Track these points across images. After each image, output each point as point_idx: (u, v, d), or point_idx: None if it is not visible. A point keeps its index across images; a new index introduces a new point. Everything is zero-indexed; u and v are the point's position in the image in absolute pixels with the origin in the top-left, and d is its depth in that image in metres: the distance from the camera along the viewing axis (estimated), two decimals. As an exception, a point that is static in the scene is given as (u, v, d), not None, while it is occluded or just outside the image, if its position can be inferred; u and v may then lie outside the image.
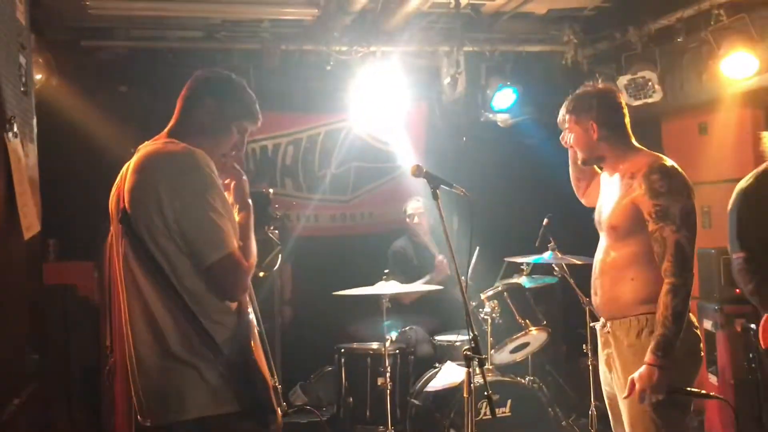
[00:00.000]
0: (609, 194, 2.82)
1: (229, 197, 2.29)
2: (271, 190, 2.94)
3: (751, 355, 4.15)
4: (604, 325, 2.82)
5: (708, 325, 4.47)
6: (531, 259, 4.52)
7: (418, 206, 5.22)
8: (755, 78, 4.35)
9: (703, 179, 5.06)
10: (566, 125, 2.94)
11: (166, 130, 2.29)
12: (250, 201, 2.35)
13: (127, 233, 2.13)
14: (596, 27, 5.29)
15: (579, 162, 3.01)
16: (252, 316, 2.28)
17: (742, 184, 3.31)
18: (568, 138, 2.96)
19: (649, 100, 4.98)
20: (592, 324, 3.13)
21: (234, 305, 2.18)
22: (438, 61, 5.36)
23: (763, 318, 3.21)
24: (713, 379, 4.40)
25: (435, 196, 3.02)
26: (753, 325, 4.15)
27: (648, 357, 2.52)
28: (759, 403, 4.04)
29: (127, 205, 2.12)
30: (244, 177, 2.40)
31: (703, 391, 2.76)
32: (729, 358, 4.31)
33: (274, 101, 5.13)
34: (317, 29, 4.95)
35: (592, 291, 2.87)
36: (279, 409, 2.20)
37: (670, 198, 2.61)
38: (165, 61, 5.07)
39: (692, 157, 5.15)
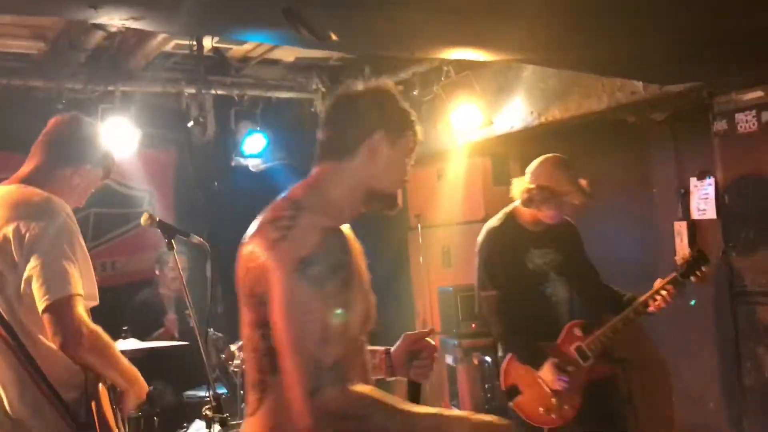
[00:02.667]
0: None
1: None
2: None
3: (486, 386, 4.46)
4: None
5: (449, 359, 4.73)
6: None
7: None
8: (481, 130, 4.76)
9: (442, 222, 5.43)
10: None
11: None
12: None
13: None
14: (342, 76, 5.48)
15: None
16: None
17: (491, 223, 3.46)
18: None
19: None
20: None
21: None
22: (185, 104, 5.19)
23: (506, 359, 3.38)
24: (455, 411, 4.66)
25: (170, 247, 2.87)
26: (488, 358, 4.48)
27: None
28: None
29: None
30: None
31: None
32: (468, 390, 4.60)
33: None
34: (47, 65, 4.54)
35: None
36: None
37: None
38: None
39: (433, 202, 5.50)
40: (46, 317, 1.99)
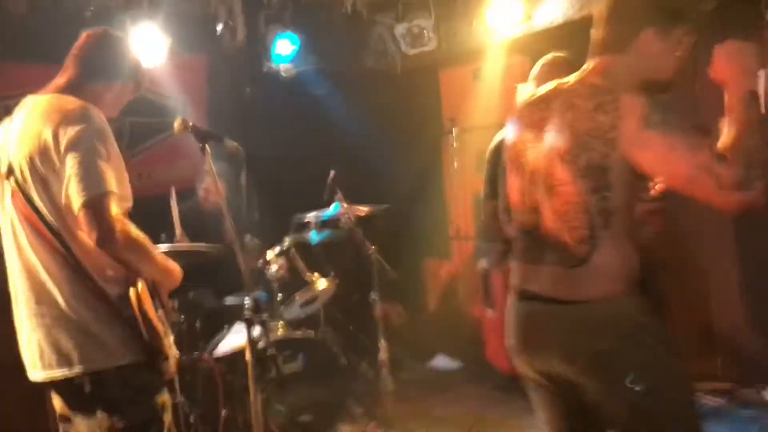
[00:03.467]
0: None
1: None
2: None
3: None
4: None
5: (484, 263, 4.74)
6: (319, 213, 4.49)
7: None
8: (521, 26, 4.57)
9: (478, 125, 5.32)
10: None
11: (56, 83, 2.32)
12: None
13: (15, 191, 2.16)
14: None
15: None
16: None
17: (503, 131, 3.39)
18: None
19: (425, 49, 5.08)
20: None
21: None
22: (213, 9, 5.06)
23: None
24: (490, 313, 4.70)
25: (203, 151, 2.85)
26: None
27: None
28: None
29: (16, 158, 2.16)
30: None
31: None
32: (502, 293, 4.62)
33: (24, 52, 4.56)
34: (72, -30, 4.44)
35: None
36: (170, 356, 2.26)
37: None
38: None
39: (468, 104, 5.37)
40: (81, 213, 2.06)
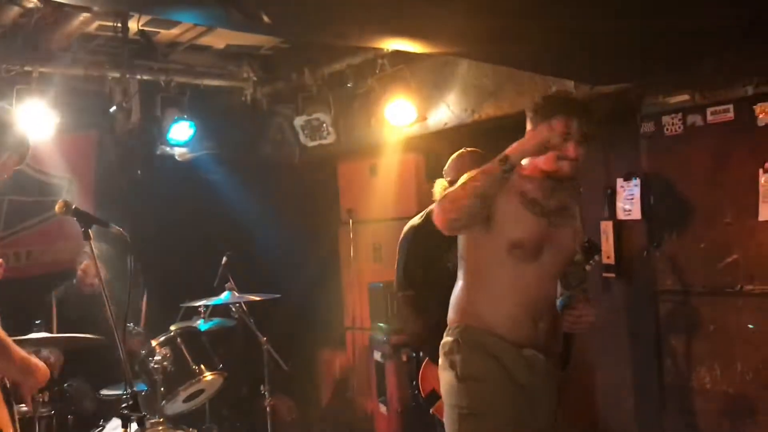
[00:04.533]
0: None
1: None
2: None
3: (414, 383, 4.42)
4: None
5: (377, 356, 4.68)
6: (209, 301, 4.32)
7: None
8: (415, 125, 4.73)
9: (374, 218, 5.37)
10: (579, 138, 2.38)
11: None
12: None
13: None
14: (274, 66, 5.36)
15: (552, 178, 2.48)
16: None
17: (414, 221, 3.42)
18: (576, 152, 2.37)
19: (324, 142, 5.15)
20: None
21: None
22: (108, 87, 4.95)
23: (423, 364, 3.33)
24: (383, 408, 4.61)
25: (86, 236, 2.71)
26: (415, 354, 4.44)
27: None
28: (423, 429, 4.31)
29: None
30: None
31: None
32: (396, 386, 4.56)
33: None
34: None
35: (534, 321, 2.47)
36: None
37: None
38: None
39: (365, 197, 5.44)
40: None
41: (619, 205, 4.20)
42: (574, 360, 3.78)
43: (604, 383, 4.42)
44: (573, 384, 4.34)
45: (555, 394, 2.49)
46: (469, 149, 3.33)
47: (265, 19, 2.32)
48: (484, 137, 4.30)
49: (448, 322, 2.56)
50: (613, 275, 4.18)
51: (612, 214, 4.23)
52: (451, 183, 3.20)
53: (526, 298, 2.41)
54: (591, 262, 3.26)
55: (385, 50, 4.47)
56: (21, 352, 2.13)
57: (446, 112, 4.64)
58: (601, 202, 4.28)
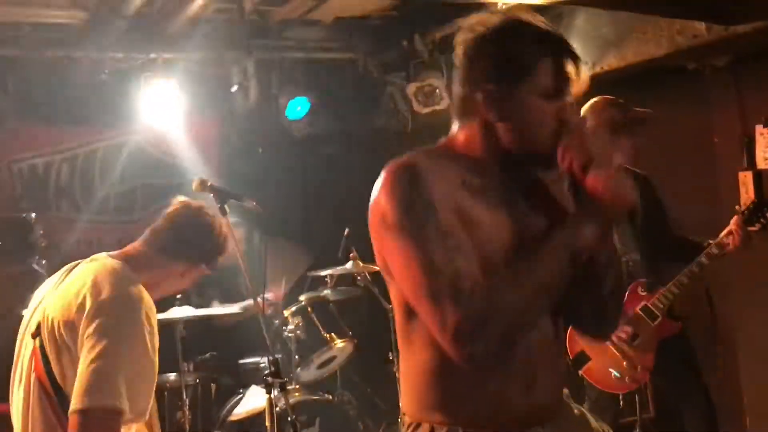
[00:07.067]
0: None
1: None
2: (33, 215, 2.55)
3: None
4: None
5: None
6: (334, 270, 4.42)
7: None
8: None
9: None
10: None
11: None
12: None
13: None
14: (384, 35, 5.33)
15: None
16: None
17: None
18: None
19: (438, 107, 5.10)
20: None
21: None
22: (227, 70, 5.12)
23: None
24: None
25: (223, 212, 2.81)
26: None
27: None
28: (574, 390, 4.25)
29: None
30: None
31: None
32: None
33: (40, 114, 4.60)
34: (88, 34, 4.49)
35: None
36: None
37: None
38: None
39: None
40: (74, 418, 1.77)
41: (759, 153, 3.93)
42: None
43: (748, 342, 4.19)
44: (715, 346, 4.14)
45: None
46: (605, 97, 3.24)
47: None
48: (607, 90, 4.12)
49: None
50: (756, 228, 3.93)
51: (751, 164, 3.97)
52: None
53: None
54: (762, 220, 3.17)
55: (498, 5, 4.33)
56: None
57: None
58: (739, 151, 4.02)
